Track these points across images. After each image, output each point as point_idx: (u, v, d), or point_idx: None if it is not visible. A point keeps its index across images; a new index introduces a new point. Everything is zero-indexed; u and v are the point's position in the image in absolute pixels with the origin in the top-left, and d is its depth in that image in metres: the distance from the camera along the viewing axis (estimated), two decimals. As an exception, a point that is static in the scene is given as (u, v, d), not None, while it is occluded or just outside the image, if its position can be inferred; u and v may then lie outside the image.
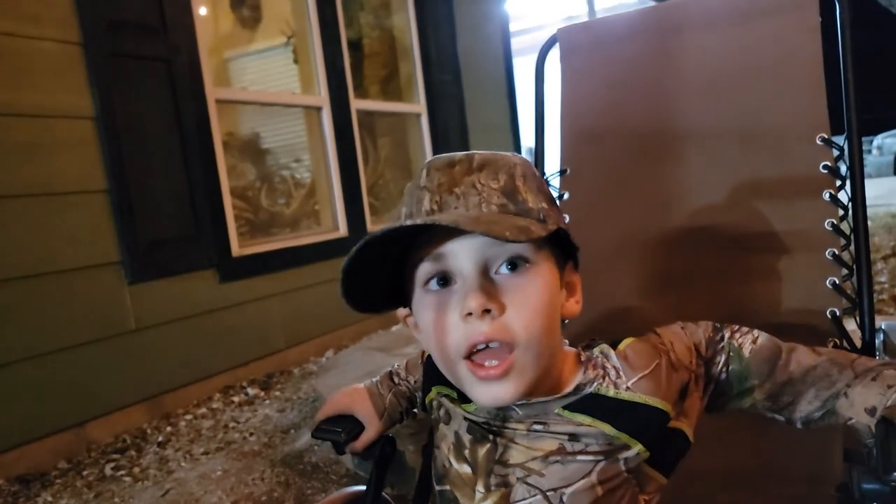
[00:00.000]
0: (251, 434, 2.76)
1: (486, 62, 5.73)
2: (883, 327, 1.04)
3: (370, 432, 0.94)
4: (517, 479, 0.69)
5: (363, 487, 1.06)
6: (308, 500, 2.17)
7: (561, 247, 0.70)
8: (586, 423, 0.68)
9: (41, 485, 2.43)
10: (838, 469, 1.00)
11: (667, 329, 0.76)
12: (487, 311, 0.63)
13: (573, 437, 0.68)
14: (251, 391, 3.25)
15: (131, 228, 2.88)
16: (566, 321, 0.73)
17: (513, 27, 6.44)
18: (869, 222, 1.09)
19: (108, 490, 2.37)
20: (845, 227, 1.08)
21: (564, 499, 0.67)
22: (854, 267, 1.05)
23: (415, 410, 0.98)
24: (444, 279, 0.66)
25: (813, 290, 1.07)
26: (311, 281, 3.84)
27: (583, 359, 0.73)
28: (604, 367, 0.72)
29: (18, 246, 2.54)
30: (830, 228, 1.08)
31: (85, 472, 2.52)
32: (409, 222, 0.61)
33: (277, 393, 3.24)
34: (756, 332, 0.75)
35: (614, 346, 0.75)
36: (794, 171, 1.12)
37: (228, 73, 4.59)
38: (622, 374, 0.71)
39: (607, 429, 0.68)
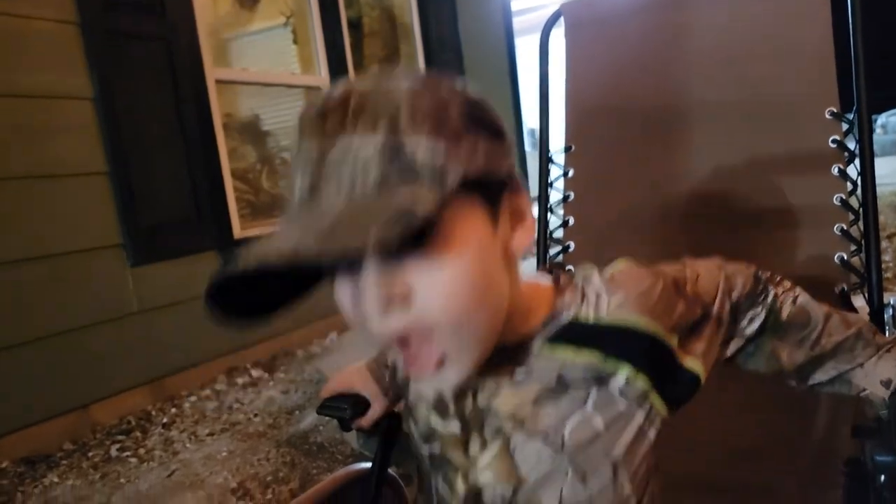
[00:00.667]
0: (256, 415, 2.77)
1: (488, 41, 5.69)
2: (892, 303, 1.04)
3: (376, 408, 0.94)
4: (512, 426, 0.64)
5: (368, 465, 1.06)
6: (314, 479, 2.18)
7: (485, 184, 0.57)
8: (569, 356, 0.63)
9: (47, 466, 2.44)
10: (847, 444, 1.00)
11: (700, 262, 0.70)
12: (389, 305, 0.54)
13: (560, 374, 0.63)
14: (255, 373, 3.26)
15: (132, 210, 2.87)
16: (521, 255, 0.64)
17: (514, 6, 6.38)
18: (875, 200, 1.08)
19: (114, 471, 2.38)
20: (854, 202, 1.07)
21: (565, 437, 0.63)
22: (863, 242, 1.05)
23: None
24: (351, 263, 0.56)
25: (821, 265, 1.06)
26: (313, 263, 3.83)
27: (561, 283, 0.67)
28: (583, 292, 0.65)
29: (18, 228, 2.53)
30: (839, 204, 1.07)
31: (90, 454, 2.53)
32: (236, 270, 0.51)
33: (281, 375, 3.25)
34: (797, 290, 0.71)
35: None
36: (802, 146, 1.11)
37: (227, 54, 4.55)
38: (603, 296, 0.65)
39: (591, 357, 0.63)
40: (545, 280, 0.68)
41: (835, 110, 1.09)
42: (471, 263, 0.55)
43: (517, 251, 0.61)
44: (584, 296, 0.65)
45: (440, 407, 0.69)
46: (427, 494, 0.74)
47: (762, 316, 0.69)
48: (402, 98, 0.53)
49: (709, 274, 0.69)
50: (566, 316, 0.65)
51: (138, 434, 2.68)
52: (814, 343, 0.71)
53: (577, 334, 0.64)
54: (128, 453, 2.52)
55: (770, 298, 0.70)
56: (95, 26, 2.74)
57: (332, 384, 0.98)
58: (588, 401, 0.63)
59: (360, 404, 0.94)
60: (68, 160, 2.70)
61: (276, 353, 3.53)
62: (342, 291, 0.57)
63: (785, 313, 0.70)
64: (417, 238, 0.50)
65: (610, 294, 0.65)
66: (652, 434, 0.65)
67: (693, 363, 0.65)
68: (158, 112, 3.05)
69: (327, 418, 1.20)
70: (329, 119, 0.54)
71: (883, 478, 0.71)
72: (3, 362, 2.47)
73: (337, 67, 4.16)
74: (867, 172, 1.05)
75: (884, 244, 4.28)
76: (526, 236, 0.61)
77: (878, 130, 9.49)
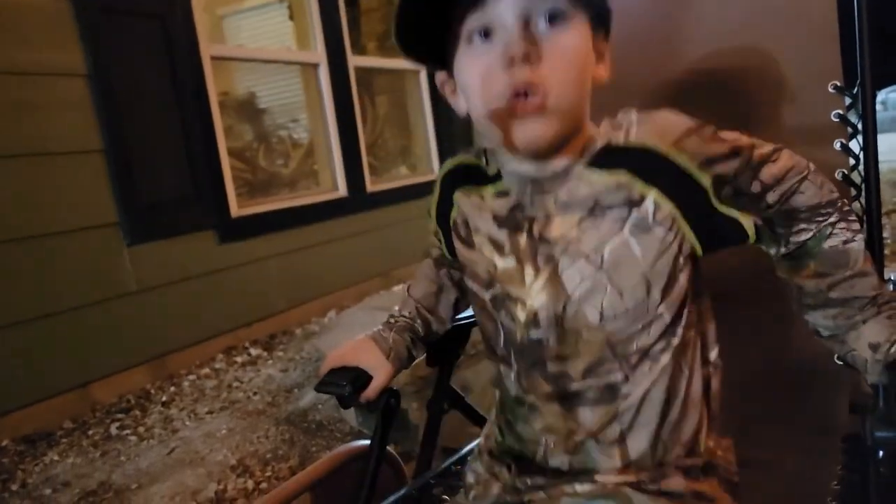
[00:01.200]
0: (255, 393, 2.78)
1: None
2: (892, 278, 1.03)
3: (381, 377, 0.92)
4: (560, 251, 0.73)
5: (367, 442, 1.07)
6: (313, 457, 2.19)
7: (595, 13, 0.73)
8: (603, 179, 0.72)
9: (47, 444, 2.45)
10: (844, 420, 1.00)
11: (795, 155, 0.75)
12: (528, 57, 0.67)
13: (597, 199, 0.72)
14: (254, 351, 3.27)
15: (129, 189, 2.85)
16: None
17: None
18: (875, 176, 1.07)
19: (115, 449, 2.39)
20: (856, 177, 1.06)
21: (605, 257, 0.71)
22: (864, 218, 1.04)
23: (421, 335, 0.97)
24: (486, 33, 0.69)
25: (822, 241, 1.05)
26: (311, 241, 3.83)
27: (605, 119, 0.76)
28: (620, 123, 0.74)
29: (13, 207, 2.52)
30: (841, 179, 1.06)
31: (90, 432, 2.54)
32: None
33: (280, 353, 3.26)
34: (857, 236, 0.74)
35: None
36: (805, 120, 1.10)
37: (223, 31, 4.51)
38: (634, 124, 0.73)
39: (620, 177, 0.71)
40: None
41: (838, 84, 1.07)
42: (582, 51, 0.70)
43: (596, 78, 0.74)
44: (619, 125, 0.74)
45: (498, 247, 0.78)
46: (493, 339, 0.82)
47: (809, 234, 0.74)
48: None
49: (789, 156, 0.74)
50: (600, 142, 0.73)
51: (138, 412, 2.69)
52: (832, 284, 0.74)
53: (608, 157, 0.72)
54: (127, 431, 2.53)
55: (825, 225, 0.74)
56: (89, 2, 2.71)
57: (331, 359, 0.97)
58: (625, 226, 0.71)
59: (360, 378, 0.92)
60: (63, 138, 2.68)
61: (274, 331, 3.54)
62: (471, 55, 0.71)
63: (828, 244, 0.74)
64: (551, 20, 0.68)
65: (640, 123, 0.73)
66: (682, 262, 0.72)
67: (735, 213, 0.71)
68: (154, 89, 3.02)
69: (326, 396, 1.19)
70: None
71: (882, 453, 0.72)
72: (2, 342, 2.47)
73: (334, 44, 4.12)
74: (870, 148, 1.04)
75: (882, 221, 4.27)
76: (605, 70, 0.75)
77: (878, 107, 9.43)
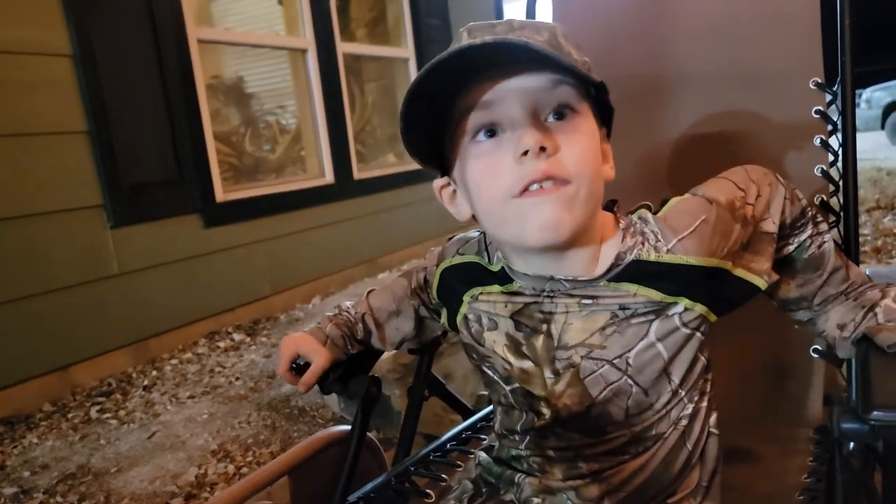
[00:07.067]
0: (237, 378, 2.78)
1: (476, 6, 5.60)
2: (868, 273, 1.05)
3: (319, 360, 0.93)
4: (581, 357, 0.72)
5: (347, 427, 1.07)
6: (294, 442, 2.19)
7: (598, 110, 0.71)
8: (633, 291, 0.70)
9: (26, 427, 2.44)
10: (818, 412, 1.02)
11: (766, 179, 0.74)
12: (543, 149, 0.63)
13: (623, 307, 0.70)
14: (237, 337, 3.26)
15: (113, 171, 2.83)
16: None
17: (503, -29, 6.28)
18: (855, 174, 1.08)
19: (94, 432, 2.39)
20: (834, 173, 1.07)
21: (630, 362, 0.71)
22: (841, 214, 1.05)
23: (358, 338, 0.97)
24: (492, 130, 0.67)
25: (800, 236, 1.06)
26: (297, 227, 3.82)
27: (622, 225, 0.73)
28: (642, 234, 0.71)
29: (-4, 187, 2.49)
30: (820, 174, 1.07)
31: (70, 415, 2.53)
32: (479, 40, 0.61)
33: (263, 339, 3.25)
34: (827, 236, 0.76)
35: (661, 206, 0.75)
36: (786, 116, 1.11)
37: (210, 14, 4.46)
38: (661, 237, 0.71)
39: (653, 294, 0.70)
40: (609, 214, 0.76)
41: (819, 80, 1.08)
42: (594, 143, 0.68)
43: (604, 178, 0.71)
44: (643, 237, 0.72)
45: (514, 347, 0.76)
46: (513, 421, 0.80)
47: (790, 248, 0.75)
48: (555, 25, 0.69)
49: (766, 197, 0.73)
50: (629, 258, 0.71)
51: (119, 396, 2.68)
52: (814, 291, 0.77)
53: (636, 272, 0.71)
54: (108, 415, 2.52)
55: (804, 236, 0.75)
56: (73, -20, 2.67)
57: (282, 352, 0.96)
58: (651, 329, 0.70)
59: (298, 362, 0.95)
60: (47, 118, 2.65)
61: (257, 317, 3.53)
62: (477, 152, 0.68)
63: (808, 252, 0.75)
64: (559, 115, 0.66)
65: (666, 236, 0.71)
66: (703, 343, 0.73)
67: (742, 272, 0.71)
68: (140, 71, 2.99)
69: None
70: (497, 26, 0.67)
71: (852, 445, 0.73)
72: (-19, 323, 2.45)
73: (322, 29, 4.09)
74: (849, 144, 1.05)
75: (863, 218, 4.32)
76: (610, 172, 0.73)
77: (862, 105, 9.46)
